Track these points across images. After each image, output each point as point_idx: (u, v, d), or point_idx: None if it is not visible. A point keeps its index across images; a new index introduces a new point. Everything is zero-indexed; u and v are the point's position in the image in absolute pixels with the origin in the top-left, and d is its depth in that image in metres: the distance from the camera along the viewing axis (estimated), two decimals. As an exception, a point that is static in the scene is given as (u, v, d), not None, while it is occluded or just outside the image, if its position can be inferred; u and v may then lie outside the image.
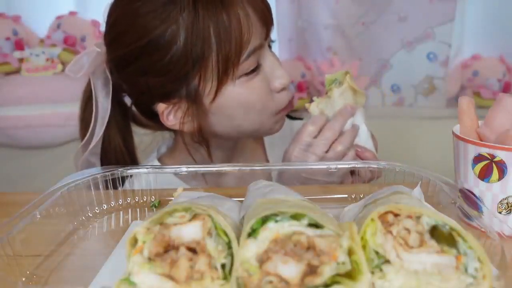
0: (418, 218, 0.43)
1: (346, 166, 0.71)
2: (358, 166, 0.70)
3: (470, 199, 0.58)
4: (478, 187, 0.58)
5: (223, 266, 0.41)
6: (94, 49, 0.81)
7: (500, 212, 0.58)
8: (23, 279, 0.49)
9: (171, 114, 0.79)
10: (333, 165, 0.69)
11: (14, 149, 1.51)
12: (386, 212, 0.43)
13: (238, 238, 0.41)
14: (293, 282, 0.39)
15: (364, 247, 0.42)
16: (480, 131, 0.60)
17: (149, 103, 0.80)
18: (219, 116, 0.79)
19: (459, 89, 1.59)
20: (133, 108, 0.88)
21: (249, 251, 0.40)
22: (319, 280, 0.38)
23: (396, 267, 0.41)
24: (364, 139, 0.82)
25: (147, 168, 0.68)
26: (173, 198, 0.60)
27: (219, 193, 0.57)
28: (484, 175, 0.57)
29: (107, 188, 0.66)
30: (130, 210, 0.67)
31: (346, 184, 0.79)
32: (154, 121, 0.85)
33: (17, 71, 1.50)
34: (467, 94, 1.50)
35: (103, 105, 0.83)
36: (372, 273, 0.42)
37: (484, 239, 0.49)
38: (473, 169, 0.58)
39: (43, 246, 0.55)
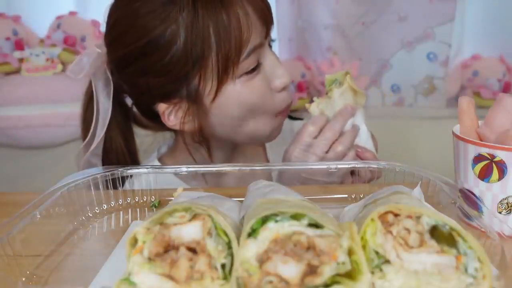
0: (418, 218, 0.43)
1: (346, 166, 0.71)
2: (358, 166, 0.70)
3: (470, 199, 0.58)
4: (478, 187, 0.58)
5: (223, 266, 0.41)
6: (95, 50, 0.81)
7: (500, 212, 0.58)
8: (23, 279, 0.49)
9: (172, 114, 0.79)
10: (333, 165, 0.69)
11: (14, 149, 1.51)
12: (386, 212, 0.43)
13: (238, 238, 0.41)
14: (293, 282, 0.39)
15: (364, 247, 0.42)
16: (480, 131, 0.60)
17: (150, 103, 0.80)
18: (219, 116, 0.79)
19: (459, 89, 1.59)
20: (134, 108, 0.88)
21: (249, 251, 0.40)
22: (319, 280, 0.38)
23: (396, 267, 0.41)
24: (364, 139, 0.82)
25: (147, 168, 0.68)
26: (173, 198, 0.60)
27: (219, 193, 0.57)
28: (484, 175, 0.57)
29: (107, 188, 0.66)
30: (130, 210, 0.67)
31: (346, 184, 0.79)
32: (154, 122, 0.85)
33: (17, 71, 1.50)
34: (467, 94, 1.50)
35: (104, 106, 0.83)
36: (372, 273, 0.42)
37: (484, 239, 0.49)
38: (473, 169, 0.58)
39: (43, 246, 0.55)
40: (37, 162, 1.51)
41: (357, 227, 0.43)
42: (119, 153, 0.88)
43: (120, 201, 0.68)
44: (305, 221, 0.42)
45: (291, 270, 0.39)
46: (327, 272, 0.39)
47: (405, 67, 1.52)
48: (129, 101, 0.87)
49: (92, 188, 0.65)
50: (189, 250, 0.42)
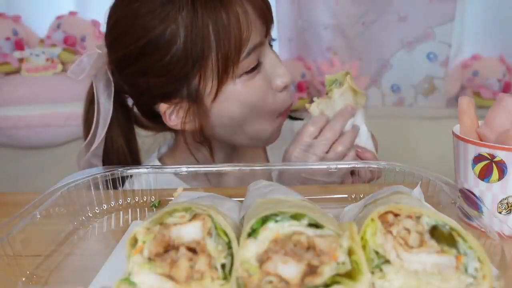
0: (418, 218, 0.43)
1: (346, 166, 0.71)
2: (358, 166, 0.70)
3: (470, 199, 0.58)
4: (478, 187, 0.58)
5: (223, 266, 0.41)
6: (95, 51, 0.81)
7: (500, 212, 0.58)
8: (23, 279, 0.49)
9: (173, 114, 0.79)
10: (333, 165, 0.69)
11: (14, 149, 1.51)
12: (386, 212, 0.43)
13: (238, 238, 0.41)
14: (293, 282, 0.39)
15: (364, 247, 0.42)
16: (480, 131, 0.60)
17: (150, 103, 0.80)
18: (220, 116, 0.79)
19: (459, 89, 1.59)
20: (135, 109, 0.88)
21: (249, 251, 0.40)
22: (319, 280, 0.38)
23: (396, 267, 0.41)
24: (364, 139, 0.82)
25: (147, 168, 0.68)
26: (173, 198, 0.60)
27: (219, 193, 0.57)
28: (484, 175, 0.57)
29: (107, 188, 0.66)
30: (130, 210, 0.67)
31: (346, 184, 0.79)
32: (155, 122, 0.85)
33: (17, 71, 1.50)
34: (467, 94, 1.50)
35: (105, 106, 0.83)
36: (372, 273, 0.42)
37: (484, 239, 0.49)
38: (473, 169, 0.58)
39: (43, 246, 0.55)
40: (37, 162, 1.51)
41: (357, 227, 0.43)
42: (120, 154, 0.88)
43: (120, 201, 0.68)
44: (305, 221, 0.42)
45: (291, 270, 0.39)
46: (327, 272, 0.39)
47: (405, 67, 1.52)
48: (130, 101, 0.87)
49: (92, 188, 0.65)
50: (189, 250, 0.42)
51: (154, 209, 0.67)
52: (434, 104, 1.53)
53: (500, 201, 0.57)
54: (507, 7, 1.51)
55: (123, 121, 0.88)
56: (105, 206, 0.66)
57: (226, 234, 0.42)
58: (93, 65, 0.82)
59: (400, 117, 1.54)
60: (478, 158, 0.57)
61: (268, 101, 0.80)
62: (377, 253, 0.42)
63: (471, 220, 0.56)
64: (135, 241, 0.43)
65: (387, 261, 0.42)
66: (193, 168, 0.68)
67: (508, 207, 0.57)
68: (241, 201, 0.55)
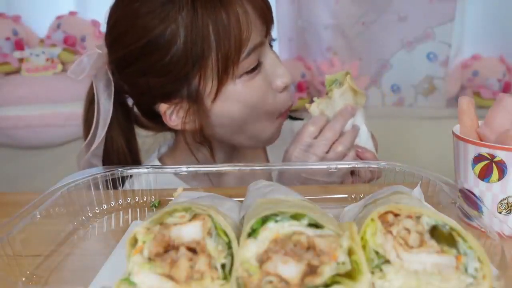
0: (418, 218, 0.43)
1: (346, 166, 0.71)
2: (358, 166, 0.70)
3: (470, 199, 0.58)
4: (478, 187, 0.58)
5: (223, 266, 0.41)
6: (95, 51, 0.81)
7: (500, 212, 0.58)
8: (23, 279, 0.49)
9: (174, 114, 0.79)
10: (333, 165, 0.69)
11: (14, 149, 1.51)
12: (386, 212, 0.43)
13: (238, 238, 0.41)
14: (293, 282, 0.39)
15: (364, 247, 0.42)
16: (480, 131, 0.60)
17: (151, 103, 0.80)
18: (220, 116, 0.79)
19: (459, 89, 1.59)
20: (135, 109, 0.88)
21: (249, 251, 0.40)
22: (319, 280, 0.38)
23: (396, 267, 0.41)
24: (364, 139, 0.82)
25: (147, 168, 0.68)
26: (173, 198, 0.60)
27: (219, 193, 0.57)
28: (484, 175, 0.57)
29: (107, 188, 0.66)
30: (130, 210, 0.67)
31: (346, 184, 0.79)
32: (155, 122, 0.85)
33: (17, 71, 1.50)
34: (467, 94, 1.50)
35: (105, 106, 0.83)
36: (372, 273, 0.42)
37: (484, 239, 0.49)
38: (473, 169, 0.58)
39: (43, 246, 0.55)
40: (37, 162, 1.51)
41: (357, 227, 0.43)
42: (120, 154, 0.88)
43: (120, 201, 0.68)
44: (305, 221, 0.42)
45: (291, 270, 0.39)
46: (327, 272, 0.39)
47: (405, 67, 1.52)
48: (130, 101, 0.87)
49: (92, 188, 0.65)
50: (189, 250, 0.42)
51: (154, 209, 0.67)
52: (434, 104, 1.53)
53: (500, 201, 0.57)
54: (507, 7, 1.51)
55: (123, 121, 0.88)
56: (105, 206, 0.66)
57: (226, 234, 0.42)
58: (93, 65, 0.82)
59: (400, 117, 1.54)
60: (478, 158, 0.57)
61: (268, 102, 0.80)
62: (377, 253, 0.42)
63: (471, 220, 0.56)
64: (135, 241, 0.43)
65: (387, 261, 0.42)
66: (193, 168, 0.68)
67: (508, 207, 0.57)
68: (241, 201, 0.55)
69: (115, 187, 0.67)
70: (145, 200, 0.68)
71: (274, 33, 0.82)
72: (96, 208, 0.65)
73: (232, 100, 0.77)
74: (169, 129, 0.84)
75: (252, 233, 0.41)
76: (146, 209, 0.67)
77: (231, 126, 0.80)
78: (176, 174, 0.80)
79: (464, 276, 0.40)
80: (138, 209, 0.67)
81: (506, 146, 0.55)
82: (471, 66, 1.58)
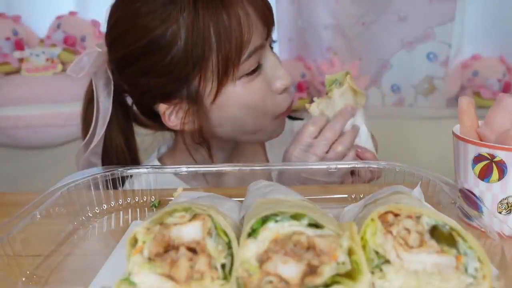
0: (418, 218, 0.43)
1: (346, 166, 0.71)
2: (358, 166, 0.70)
3: (470, 199, 0.58)
4: (478, 187, 0.58)
5: (223, 266, 0.41)
6: (95, 50, 0.81)
7: (500, 212, 0.58)
8: (23, 279, 0.49)
9: (173, 115, 0.79)
10: (333, 165, 0.69)
11: (14, 149, 1.51)
12: (386, 212, 0.43)
13: (238, 238, 0.41)
14: (293, 282, 0.39)
15: (364, 247, 0.42)
16: (480, 131, 0.60)
17: (150, 103, 0.80)
18: (220, 117, 0.79)
19: (459, 89, 1.59)
20: (134, 108, 0.88)
21: (249, 251, 0.40)
22: (319, 280, 0.38)
23: (396, 267, 0.41)
24: (364, 139, 0.82)
25: (147, 168, 0.68)
26: (173, 198, 0.60)
27: (219, 193, 0.57)
28: (484, 175, 0.57)
29: (107, 188, 0.66)
30: (130, 210, 0.67)
31: (346, 184, 0.79)
32: (154, 121, 0.85)
33: (17, 71, 1.50)
34: (467, 94, 1.50)
35: (104, 105, 0.83)
36: (372, 273, 0.42)
37: (484, 239, 0.49)
38: (473, 169, 0.58)
39: (43, 246, 0.55)
40: (37, 162, 1.51)
41: (357, 227, 0.43)
42: (119, 152, 0.88)
43: (120, 201, 0.67)
44: (305, 221, 0.42)
45: (291, 270, 0.39)
46: (327, 272, 0.39)
47: (405, 67, 1.52)
48: (129, 100, 0.87)
49: (92, 188, 0.65)
50: (189, 250, 0.42)
51: (154, 209, 0.67)
52: (434, 104, 1.53)
53: (500, 201, 0.57)
54: (507, 7, 1.51)
55: (122, 119, 0.88)
56: (105, 206, 0.66)
57: (226, 234, 0.42)
58: (93, 63, 0.82)
59: (400, 117, 1.54)
60: (478, 158, 0.57)
61: (268, 103, 0.80)
62: (377, 253, 0.42)
63: (471, 220, 0.56)
64: (135, 241, 0.43)
65: (387, 261, 0.42)
66: (193, 168, 0.68)
67: (508, 207, 0.57)
68: (241, 201, 0.55)
69: (115, 187, 0.67)
70: (145, 200, 0.68)
71: (274, 33, 0.82)
72: (96, 208, 0.65)
73: (232, 101, 0.77)
74: (168, 128, 0.84)
75: (252, 233, 0.41)
76: (146, 209, 0.67)
77: (231, 126, 0.81)
78: (176, 174, 0.80)
79: (464, 276, 0.40)
80: (138, 209, 0.67)
81: (506, 146, 0.55)
82: (471, 66, 1.58)
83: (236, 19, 0.72)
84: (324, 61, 1.57)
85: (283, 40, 1.59)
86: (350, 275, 0.39)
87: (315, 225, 0.41)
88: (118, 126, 0.87)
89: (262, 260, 0.40)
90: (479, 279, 0.40)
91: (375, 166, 0.68)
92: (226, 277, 0.41)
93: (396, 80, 1.55)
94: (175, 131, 0.88)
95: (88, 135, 0.85)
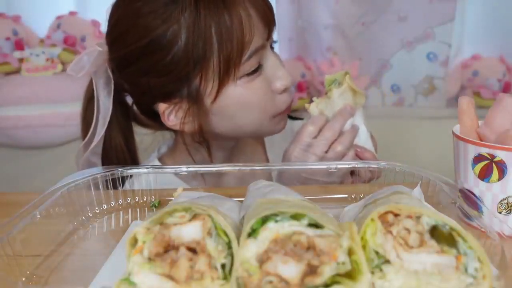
0: (418, 218, 0.43)
1: (346, 166, 0.71)
2: (358, 166, 0.70)
3: (470, 199, 0.58)
4: (478, 187, 0.58)
5: (223, 266, 0.41)
6: (96, 49, 0.81)
7: (500, 212, 0.58)
8: (23, 279, 0.49)
9: (172, 114, 0.79)
10: (333, 165, 0.69)
11: (14, 149, 1.51)
12: (386, 212, 0.43)
13: (238, 238, 0.41)
14: (293, 282, 0.39)
15: (364, 247, 0.42)
16: (480, 131, 0.60)
17: (150, 103, 0.80)
18: (220, 117, 0.79)
19: (459, 89, 1.59)
20: (134, 107, 0.88)
21: (249, 251, 0.40)
22: (319, 280, 0.38)
23: (396, 267, 0.41)
24: (363, 139, 0.82)
25: (147, 168, 0.68)
26: (173, 198, 0.60)
27: (219, 193, 0.57)
28: (484, 175, 0.57)
29: (107, 188, 0.66)
30: (130, 210, 0.67)
31: (346, 184, 0.79)
32: (154, 121, 0.85)
33: (17, 71, 1.50)
34: (467, 94, 1.50)
35: (105, 104, 0.83)
36: (372, 273, 0.42)
37: (484, 239, 0.49)
38: (473, 169, 0.58)
39: (43, 246, 0.55)
40: (37, 162, 1.51)
41: (357, 227, 0.43)
42: (119, 152, 0.88)
43: (120, 201, 0.67)
44: (305, 221, 0.42)
45: (291, 270, 0.39)
46: (327, 272, 0.39)
47: (405, 67, 1.52)
48: (129, 99, 0.87)
49: (92, 188, 0.65)
50: (189, 250, 0.42)
51: (154, 209, 0.67)
52: (434, 104, 1.53)
53: (500, 201, 0.57)
54: (507, 7, 1.51)
55: (122, 119, 0.87)
56: (105, 206, 0.66)
57: (226, 234, 0.42)
58: (93, 63, 0.82)
59: (400, 117, 1.54)
60: (478, 158, 0.57)
61: (268, 103, 0.80)
62: (377, 253, 0.42)
63: (471, 220, 0.56)
64: (135, 241, 0.43)
65: (387, 261, 0.42)
66: (193, 168, 0.68)
67: (508, 207, 0.57)
68: (241, 201, 0.55)
69: (115, 187, 0.67)
70: (145, 200, 0.68)
71: (274, 34, 0.82)
72: (96, 208, 0.65)
73: (232, 101, 0.77)
74: (168, 128, 0.84)
75: (252, 233, 0.41)
76: (146, 209, 0.67)
77: (231, 126, 0.81)
78: (176, 174, 0.81)
79: (464, 276, 0.40)
80: (138, 209, 0.67)
81: (506, 146, 0.55)
82: (471, 66, 1.58)
83: (237, 19, 0.72)
84: (324, 61, 1.57)
85: (283, 40, 1.59)
86: (350, 275, 0.39)
87: (315, 225, 0.41)
88: (118, 126, 0.87)
89: (262, 260, 0.40)
90: (479, 279, 0.40)
91: (375, 166, 0.68)
92: (226, 277, 0.41)
93: (396, 80, 1.55)
94: (175, 131, 0.88)
95: (88, 135, 0.85)
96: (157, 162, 0.92)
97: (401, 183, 0.60)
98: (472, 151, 0.57)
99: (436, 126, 1.39)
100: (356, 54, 1.54)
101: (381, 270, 0.42)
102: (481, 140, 0.59)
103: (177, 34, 0.72)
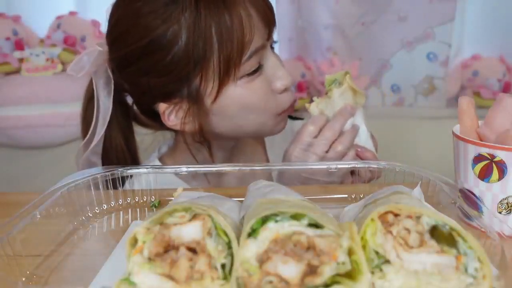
0: (418, 218, 0.43)
1: (346, 166, 0.71)
2: (358, 166, 0.70)
3: (470, 199, 0.58)
4: (478, 187, 0.58)
5: (223, 266, 0.41)
6: (96, 48, 0.81)
7: (500, 212, 0.58)
8: (23, 279, 0.49)
9: (172, 114, 0.79)
10: (333, 165, 0.69)
11: (14, 149, 1.51)
12: (386, 212, 0.43)
13: (238, 238, 0.41)
14: (293, 282, 0.39)
15: (364, 247, 0.42)
16: (480, 131, 0.60)
17: (150, 103, 0.80)
18: (220, 117, 0.79)
19: (459, 89, 1.59)
20: (134, 107, 0.88)
21: (249, 251, 0.40)
22: (319, 280, 0.38)
23: (396, 267, 0.41)
24: (364, 139, 0.82)
25: (147, 168, 0.68)
26: (173, 198, 0.60)
27: (219, 193, 0.57)
28: (484, 175, 0.57)
29: (107, 188, 0.66)
30: (130, 210, 0.67)
31: (346, 184, 0.79)
32: (155, 121, 0.85)
33: (17, 71, 1.50)
34: (467, 94, 1.50)
35: (105, 104, 0.83)
36: (372, 273, 0.42)
37: (484, 239, 0.49)
38: (473, 169, 0.58)
39: (43, 246, 0.55)
40: (37, 162, 1.51)
41: (357, 227, 0.43)
42: (119, 152, 0.88)
43: (120, 201, 0.67)
44: (305, 221, 0.42)
45: (291, 270, 0.39)
46: (327, 272, 0.39)
47: (405, 67, 1.52)
48: (129, 99, 0.87)
49: (92, 188, 0.65)
50: (189, 250, 0.42)
51: (154, 209, 0.67)
52: (434, 104, 1.53)
53: (500, 201, 0.57)
54: (507, 7, 1.51)
55: (122, 119, 0.87)
56: (105, 206, 0.66)
57: (226, 234, 0.42)
58: (93, 63, 0.82)
59: (400, 117, 1.54)
60: (478, 158, 0.57)
61: (269, 103, 0.80)
62: (377, 253, 0.42)
63: (471, 220, 0.56)
64: (135, 241, 0.43)
65: (387, 261, 0.42)
66: (193, 168, 0.68)
67: (508, 207, 0.57)
68: (241, 201, 0.55)
69: (115, 187, 0.67)
70: (145, 200, 0.68)
71: (274, 34, 0.82)
72: (96, 208, 0.65)
73: (232, 101, 0.77)
74: (168, 128, 0.84)
75: (252, 233, 0.41)
76: (146, 209, 0.67)
77: (232, 125, 0.81)
78: (176, 174, 0.80)
79: (464, 276, 0.40)
80: (138, 209, 0.67)
81: (506, 146, 0.55)
82: (471, 66, 1.58)
83: (238, 19, 0.72)
84: (324, 61, 1.57)
85: (283, 40, 1.59)
86: (350, 275, 0.39)
87: (315, 225, 0.41)
88: (118, 126, 0.87)
89: (262, 260, 0.40)
90: (479, 279, 0.40)
91: (375, 166, 0.68)
92: (226, 277, 0.41)
93: (396, 80, 1.55)
94: (175, 131, 0.88)
95: (88, 135, 0.85)
96: (157, 162, 0.92)
97: (401, 183, 0.60)
98: (472, 151, 0.57)
99: (436, 126, 1.39)
100: (356, 54, 1.54)
101: (381, 270, 0.42)
102: (481, 140, 0.59)
103: (177, 34, 0.72)
